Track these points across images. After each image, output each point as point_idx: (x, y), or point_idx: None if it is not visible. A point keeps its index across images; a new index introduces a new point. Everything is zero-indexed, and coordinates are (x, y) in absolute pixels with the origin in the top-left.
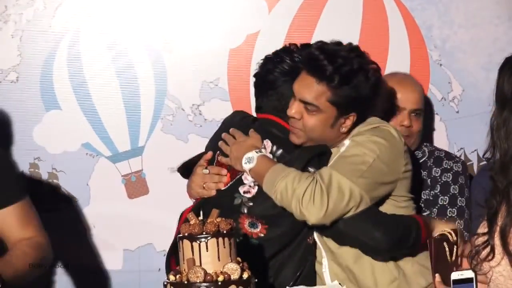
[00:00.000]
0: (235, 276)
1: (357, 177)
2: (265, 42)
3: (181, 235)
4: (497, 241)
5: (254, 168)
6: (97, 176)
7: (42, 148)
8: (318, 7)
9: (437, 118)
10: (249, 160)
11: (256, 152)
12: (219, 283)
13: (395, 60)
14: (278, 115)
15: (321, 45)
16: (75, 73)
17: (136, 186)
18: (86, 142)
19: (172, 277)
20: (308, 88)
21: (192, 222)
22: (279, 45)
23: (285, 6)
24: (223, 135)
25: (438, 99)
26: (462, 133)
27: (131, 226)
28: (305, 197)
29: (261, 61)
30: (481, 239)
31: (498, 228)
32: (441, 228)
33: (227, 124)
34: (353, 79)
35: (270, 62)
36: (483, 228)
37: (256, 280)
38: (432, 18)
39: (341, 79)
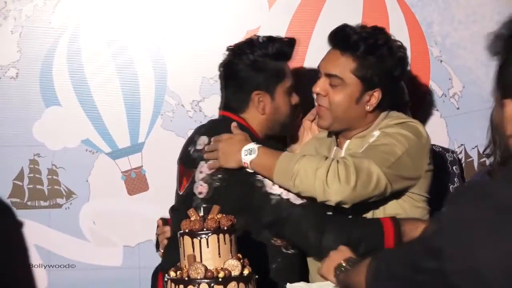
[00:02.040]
0: (235, 272)
1: (386, 167)
2: None
3: (181, 231)
4: None
5: (256, 159)
6: (97, 172)
7: (41, 144)
8: (318, 3)
9: (437, 115)
10: (249, 152)
11: (255, 143)
12: (220, 279)
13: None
14: (235, 108)
15: (346, 24)
16: (75, 69)
17: (136, 182)
18: (86, 139)
19: (172, 273)
20: (333, 60)
21: (193, 218)
22: None
23: (286, 2)
24: (207, 147)
25: (439, 95)
26: (462, 130)
27: (131, 223)
28: (329, 175)
29: (225, 53)
30: None
31: None
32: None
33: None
34: (377, 50)
35: (232, 54)
36: None
37: (257, 276)
38: (432, 14)
39: (366, 48)
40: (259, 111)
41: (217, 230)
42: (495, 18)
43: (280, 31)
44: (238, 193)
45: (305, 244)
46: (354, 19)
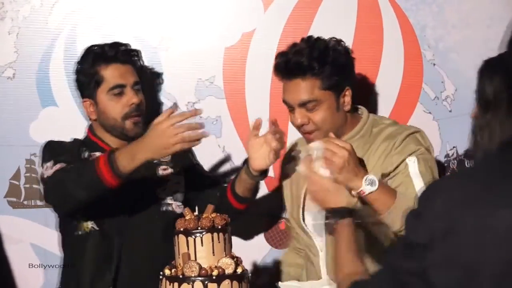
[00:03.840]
0: (229, 270)
1: None
2: (261, 41)
3: (176, 230)
4: None
5: (376, 193)
6: None
7: (38, 144)
8: (313, 6)
9: (430, 117)
10: (371, 183)
11: (373, 175)
12: (214, 277)
13: (389, 60)
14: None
15: (280, 52)
16: (71, 70)
17: None
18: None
19: (167, 271)
20: (299, 89)
21: (187, 217)
22: (274, 44)
23: (281, 5)
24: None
25: (431, 98)
26: (454, 132)
27: None
28: None
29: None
30: None
31: None
32: None
33: None
34: (328, 58)
35: None
36: None
37: (250, 274)
38: (426, 18)
39: (320, 63)
40: (91, 117)
41: (211, 229)
42: (487, 23)
43: (275, 33)
44: None
45: None
46: (348, 23)
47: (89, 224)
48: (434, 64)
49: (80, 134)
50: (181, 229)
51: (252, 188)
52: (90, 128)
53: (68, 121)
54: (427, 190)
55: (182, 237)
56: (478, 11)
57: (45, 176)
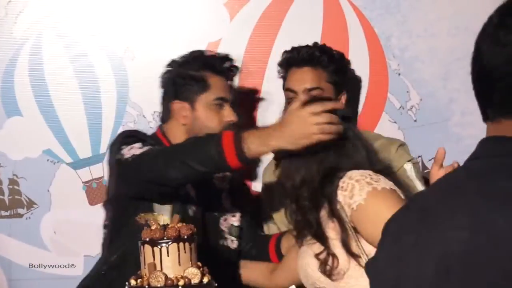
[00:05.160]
0: (195, 280)
1: None
2: (227, 50)
3: (142, 240)
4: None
5: None
6: (58, 182)
7: (3, 154)
8: (279, 15)
9: (395, 127)
10: None
11: None
12: (180, 287)
13: (354, 69)
14: (162, 119)
15: (293, 47)
16: (36, 79)
17: (97, 192)
18: (47, 149)
19: (133, 281)
20: (308, 76)
21: (153, 227)
22: (240, 53)
23: (247, 14)
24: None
25: (397, 107)
26: (419, 142)
27: (92, 232)
28: None
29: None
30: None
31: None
32: None
33: None
34: (334, 57)
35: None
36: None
37: (216, 284)
38: (391, 27)
39: (328, 58)
40: (180, 120)
41: (177, 239)
42: (452, 32)
43: (241, 43)
44: None
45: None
46: (314, 33)
47: None
48: (399, 74)
49: (46, 143)
50: (147, 239)
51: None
52: (161, 129)
53: (33, 131)
54: None
55: (148, 247)
56: (443, 21)
57: (128, 156)
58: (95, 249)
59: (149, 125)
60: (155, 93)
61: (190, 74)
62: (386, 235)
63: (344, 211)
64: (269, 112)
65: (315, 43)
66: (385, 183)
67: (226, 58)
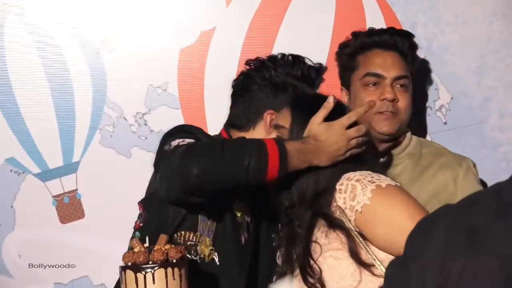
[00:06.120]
0: None
1: None
2: (222, 41)
3: (123, 265)
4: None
5: None
6: (24, 196)
7: None
8: (283, 0)
9: (421, 131)
10: None
11: None
12: None
13: None
14: (240, 126)
15: (370, 29)
16: None
17: (69, 208)
18: (10, 157)
19: None
20: (396, 63)
21: (136, 249)
22: (238, 44)
23: None
24: None
25: (423, 108)
26: (450, 148)
27: (64, 256)
28: None
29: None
30: None
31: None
32: None
33: None
34: (412, 46)
35: (250, 68)
36: None
37: None
38: (416, 14)
39: (410, 46)
40: (267, 132)
41: (165, 263)
42: (488, 19)
43: (239, 32)
44: None
45: None
46: (326, 21)
47: (211, 252)
48: (426, 68)
49: (9, 151)
50: (129, 264)
51: None
52: (229, 135)
53: None
54: None
55: (130, 273)
56: (477, 6)
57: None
58: (68, 276)
59: (131, 129)
60: (138, 92)
61: (289, 85)
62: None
63: (346, 216)
64: None
65: (392, 27)
66: (387, 180)
67: (320, 68)
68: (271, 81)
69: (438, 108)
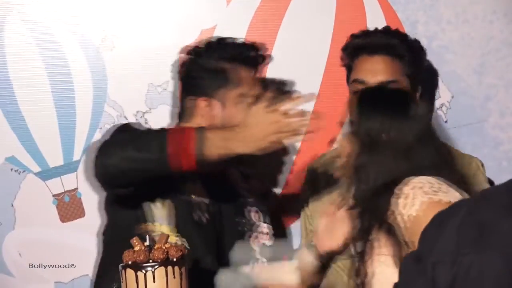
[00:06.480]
0: None
1: None
2: None
3: (123, 264)
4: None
5: None
6: (24, 195)
7: None
8: None
9: None
10: None
11: None
12: None
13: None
14: (182, 117)
15: (364, 30)
16: None
17: (70, 207)
18: (11, 156)
19: None
20: (382, 67)
21: (136, 248)
22: None
23: None
24: None
25: None
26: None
27: (64, 255)
28: None
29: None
30: None
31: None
32: None
33: None
34: (412, 46)
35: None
36: None
37: None
38: (417, 12)
39: (405, 44)
40: (206, 120)
41: (165, 262)
42: (489, 18)
43: (240, 30)
44: None
45: None
46: (326, 19)
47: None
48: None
49: (9, 150)
50: (129, 263)
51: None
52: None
53: None
54: None
55: (130, 272)
56: (478, 4)
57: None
58: (68, 275)
59: None
60: (139, 90)
61: (212, 66)
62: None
63: (397, 223)
64: None
65: (387, 27)
66: (446, 195)
67: (252, 46)
68: (204, 68)
69: (438, 107)
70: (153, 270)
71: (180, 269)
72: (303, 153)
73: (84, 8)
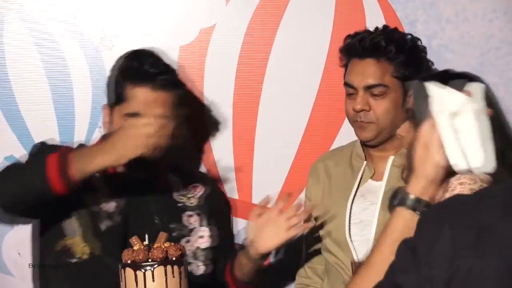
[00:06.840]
0: None
1: None
2: (222, 38)
3: (123, 263)
4: None
5: None
6: None
7: None
8: None
9: None
10: None
11: None
12: None
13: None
14: None
15: (350, 34)
16: None
17: None
18: (10, 155)
19: None
20: (369, 70)
21: (136, 247)
22: (238, 42)
23: None
24: None
25: None
26: None
27: None
28: None
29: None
30: None
31: None
32: None
33: None
34: (406, 45)
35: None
36: None
37: None
38: (416, 11)
39: (396, 47)
40: (105, 126)
41: (164, 261)
42: (488, 17)
43: (239, 29)
44: None
45: None
46: (325, 18)
47: (84, 248)
48: None
49: (8, 149)
50: (129, 262)
51: (255, 271)
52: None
53: None
54: None
55: (129, 271)
56: (478, 3)
57: None
58: None
59: None
60: None
61: (116, 81)
62: (428, 255)
63: None
64: (271, 113)
65: (384, 28)
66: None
67: (167, 69)
68: (111, 75)
69: None
70: (152, 269)
71: (179, 268)
72: (303, 153)
73: (83, 7)
